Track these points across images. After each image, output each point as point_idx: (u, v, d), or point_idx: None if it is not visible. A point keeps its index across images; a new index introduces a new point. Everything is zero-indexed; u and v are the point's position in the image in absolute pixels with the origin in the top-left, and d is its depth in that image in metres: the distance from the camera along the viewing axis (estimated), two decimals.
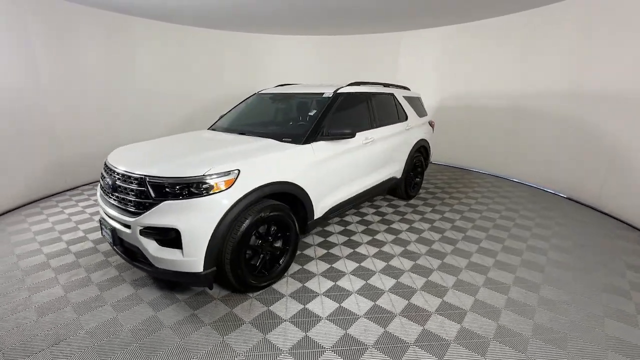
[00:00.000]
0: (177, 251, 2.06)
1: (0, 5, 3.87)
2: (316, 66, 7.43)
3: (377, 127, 3.66)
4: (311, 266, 2.87)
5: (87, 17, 4.91)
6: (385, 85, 4.27)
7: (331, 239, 3.38)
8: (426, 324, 2.16)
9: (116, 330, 2.08)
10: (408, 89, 4.82)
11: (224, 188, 2.12)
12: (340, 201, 3.18)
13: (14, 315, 2.21)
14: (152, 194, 2.08)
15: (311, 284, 2.60)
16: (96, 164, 4.93)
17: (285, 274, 2.71)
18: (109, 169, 2.41)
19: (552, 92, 4.96)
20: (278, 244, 2.61)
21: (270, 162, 2.44)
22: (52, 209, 4.13)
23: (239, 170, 2.21)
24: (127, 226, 2.17)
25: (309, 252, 3.11)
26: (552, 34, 4.80)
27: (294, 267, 2.83)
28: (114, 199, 2.31)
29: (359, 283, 2.62)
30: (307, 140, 2.78)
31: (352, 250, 3.14)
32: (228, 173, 2.16)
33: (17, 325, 2.12)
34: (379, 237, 3.44)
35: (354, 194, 3.37)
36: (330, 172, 2.94)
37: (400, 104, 4.26)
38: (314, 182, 2.76)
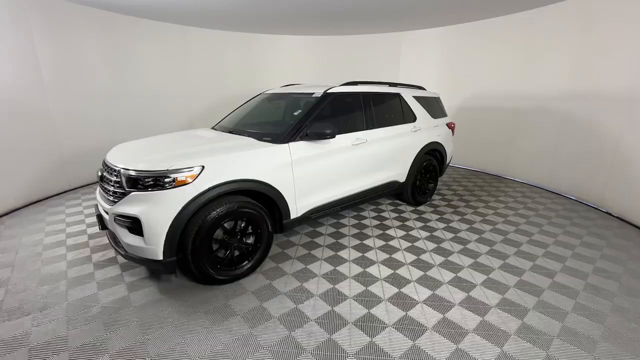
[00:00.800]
0: (141, 239, 2.23)
1: (2, 4, 3.87)
2: (318, 66, 7.44)
3: (373, 127, 3.53)
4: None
5: (89, 17, 4.91)
6: (392, 84, 4.09)
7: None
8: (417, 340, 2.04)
9: (126, 304, 2.32)
10: (422, 89, 4.55)
11: (185, 182, 2.24)
12: (326, 202, 3.13)
13: (24, 282, 2.59)
14: (125, 185, 2.28)
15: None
16: (98, 165, 4.90)
17: (258, 269, 2.77)
18: (103, 162, 2.70)
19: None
20: (250, 240, 2.67)
21: (238, 160, 2.50)
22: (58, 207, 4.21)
23: (203, 167, 2.31)
24: (107, 213, 2.41)
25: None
26: (556, 33, 4.77)
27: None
28: (101, 188, 2.58)
29: (359, 288, 2.56)
30: (285, 140, 2.79)
31: (337, 253, 3.09)
32: (191, 169, 2.27)
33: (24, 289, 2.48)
34: (368, 242, 3.32)
35: (344, 196, 3.30)
36: (310, 172, 2.91)
37: (407, 104, 4.05)
38: (289, 182, 2.77)
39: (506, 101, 5.66)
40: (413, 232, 3.56)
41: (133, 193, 2.23)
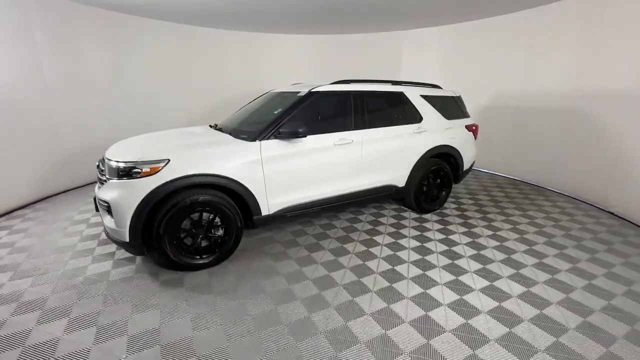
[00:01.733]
0: (114, 221, 2.51)
1: (3, 4, 3.88)
2: (320, 65, 7.40)
3: (364, 128, 3.39)
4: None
5: (90, 16, 4.92)
6: (396, 82, 3.86)
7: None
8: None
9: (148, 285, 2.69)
10: (436, 87, 4.20)
11: (151, 173, 2.45)
12: (302, 202, 3.12)
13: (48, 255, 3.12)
14: (107, 174, 2.59)
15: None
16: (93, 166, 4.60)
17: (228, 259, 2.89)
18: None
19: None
20: (219, 233, 2.80)
21: (204, 156, 2.65)
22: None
23: (168, 160, 2.51)
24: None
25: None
26: (558, 32, 4.70)
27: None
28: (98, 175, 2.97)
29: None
30: (257, 138, 2.86)
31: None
32: (157, 162, 2.48)
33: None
34: (349, 246, 3.21)
35: (325, 197, 3.23)
36: (282, 171, 2.93)
37: (412, 103, 3.78)
38: (258, 179, 2.82)
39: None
40: (403, 241, 3.32)
41: (110, 180, 2.52)
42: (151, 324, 2.12)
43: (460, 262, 2.91)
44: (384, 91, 3.65)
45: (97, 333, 2.04)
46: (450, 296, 2.45)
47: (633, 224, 3.84)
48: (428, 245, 3.25)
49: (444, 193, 4.16)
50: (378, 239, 3.37)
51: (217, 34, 6.64)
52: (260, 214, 2.93)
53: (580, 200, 4.63)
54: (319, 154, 3.11)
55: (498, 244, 3.29)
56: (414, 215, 4.01)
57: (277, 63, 7.34)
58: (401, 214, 4.04)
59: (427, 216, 3.99)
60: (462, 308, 2.31)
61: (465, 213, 4.09)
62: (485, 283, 2.62)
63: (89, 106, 5.06)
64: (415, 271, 2.78)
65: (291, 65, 7.39)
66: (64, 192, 4.85)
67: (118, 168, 2.50)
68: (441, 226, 3.69)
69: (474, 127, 4.34)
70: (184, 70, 6.39)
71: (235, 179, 2.71)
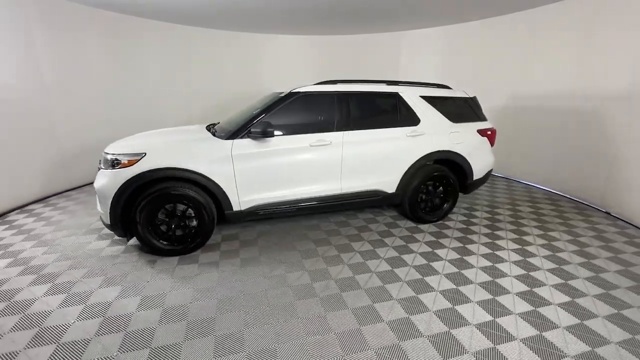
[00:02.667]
0: (100, 205, 2.88)
1: (3, 5, 3.88)
2: (319, 66, 7.40)
3: (347, 129, 3.29)
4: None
5: (90, 17, 4.94)
6: (392, 82, 3.65)
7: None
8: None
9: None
10: (444, 87, 3.86)
11: (128, 165, 2.75)
12: (275, 200, 3.16)
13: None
14: (101, 164, 2.97)
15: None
16: (93, 166, 4.80)
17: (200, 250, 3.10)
18: None
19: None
20: (193, 223, 3.01)
21: (177, 151, 2.88)
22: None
23: (145, 153, 2.78)
24: None
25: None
26: (556, 33, 4.71)
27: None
28: None
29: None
30: (230, 137, 2.99)
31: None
32: (135, 155, 2.77)
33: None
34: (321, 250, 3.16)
35: (300, 197, 3.22)
36: (253, 169, 3.01)
37: (407, 105, 3.53)
38: (228, 176, 2.95)
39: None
40: (381, 251, 3.14)
41: (100, 170, 2.90)
42: (109, 297, 2.40)
43: (425, 298, 2.64)
44: (375, 92, 3.48)
45: (65, 298, 2.39)
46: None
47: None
48: (405, 258, 3.02)
49: (446, 204, 3.81)
50: (356, 245, 3.25)
51: (217, 35, 6.69)
52: (232, 209, 3.06)
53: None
54: (292, 154, 3.12)
55: (488, 266, 2.91)
56: (409, 224, 3.75)
57: (277, 64, 7.37)
58: (397, 221, 3.81)
59: (424, 227, 3.70)
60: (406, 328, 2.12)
61: (469, 227, 3.68)
62: (445, 329, 2.35)
63: (88, 106, 5.08)
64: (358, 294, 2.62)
65: (291, 65, 7.41)
66: (65, 191, 4.91)
67: (106, 159, 2.86)
68: (433, 238, 3.39)
69: (488, 132, 3.88)
70: (183, 70, 6.45)
71: (204, 174, 2.88)
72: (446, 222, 3.82)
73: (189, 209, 2.94)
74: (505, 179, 5.78)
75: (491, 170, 4.11)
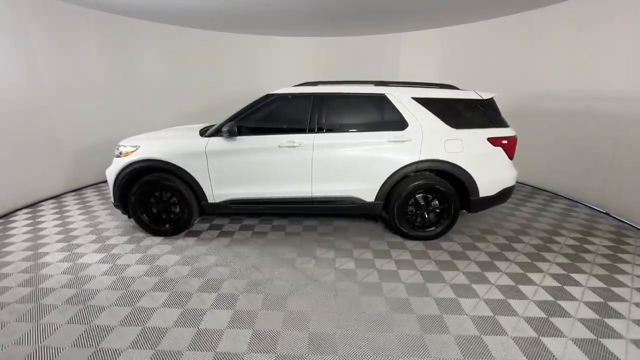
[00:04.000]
0: None
1: (1, 7, 3.87)
2: (318, 66, 7.28)
3: (321, 132, 3.20)
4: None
5: (88, 19, 4.93)
6: (380, 83, 3.36)
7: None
8: None
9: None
10: (448, 87, 3.37)
11: (126, 154, 3.30)
12: (245, 197, 3.30)
13: None
14: (116, 152, 3.62)
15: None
16: (97, 166, 5.15)
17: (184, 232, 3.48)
18: None
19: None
20: (177, 210, 3.42)
21: (163, 146, 3.29)
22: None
23: (139, 146, 3.29)
24: None
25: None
26: (553, 34, 4.70)
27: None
28: None
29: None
30: (207, 135, 3.27)
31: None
32: (131, 147, 3.30)
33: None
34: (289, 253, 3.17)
35: (270, 197, 3.29)
36: (224, 165, 3.22)
37: (395, 107, 3.21)
38: (202, 170, 3.23)
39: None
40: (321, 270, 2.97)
41: (114, 158, 3.55)
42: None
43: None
44: (356, 93, 3.27)
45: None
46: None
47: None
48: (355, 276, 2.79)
49: (443, 223, 3.32)
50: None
51: (216, 36, 6.69)
52: (207, 201, 3.34)
53: None
54: (261, 154, 3.20)
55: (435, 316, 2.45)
56: (395, 239, 3.41)
57: (276, 65, 7.36)
58: (383, 237, 3.51)
59: (408, 243, 3.31)
60: None
61: (466, 252, 3.13)
62: None
63: (87, 108, 5.09)
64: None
65: (291, 67, 7.38)
66: (61, 194, 4.86)
67: (116, 150, 3.48)
68: (408, 258, 3.02)
69: (504, 141, 3.20)
70: (182, 72, 6.45)
71: (182, 167, 3.22)
72: (439, 243, 3.33)
73: (173, 197, 3.35)
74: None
75: (511, 188, 3.39)
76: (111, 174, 3.36)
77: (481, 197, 3.28)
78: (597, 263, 2.95)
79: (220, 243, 3.32)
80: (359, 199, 3.30)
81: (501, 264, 2.91)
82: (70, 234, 3.55)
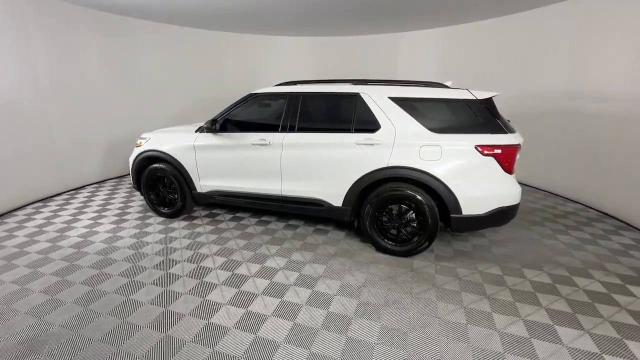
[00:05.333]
0: None
1: (0, 6, 3.87)
2: (318, 67, 7.30)
3: (292, 131, 3.19)
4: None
5: (87, 18, 4.93)
6: (358, 82, 3.13)
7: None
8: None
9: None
10: (437, 86, 2.94)
11: (139, 145, 3.89)
12: (225, 189, 3.53)
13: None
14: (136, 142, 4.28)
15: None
16: (95, 166, 5.32)
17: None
18: None
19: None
20: (175, 196, 3.88)
21: (165, 139, 3.74)
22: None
23: (149, 138, 3.84)
24: None
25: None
26: (553, 34, 4.67)
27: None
28: None
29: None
30: (197, 131, 3.61)
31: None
32: (144, 139, 3.88)
33: None
34: (269, 263, 3.30)
35: (249, 192, 3.44)
36: (207, 159, 3.51)
37: (368, 108, 2.96)
38: (191, 161, 3.58)
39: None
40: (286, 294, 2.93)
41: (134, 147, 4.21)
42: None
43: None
44: (330, 92, 3.12)
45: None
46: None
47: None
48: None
49: (414, 240, 2.94)
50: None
51: (216, 36, 6.73)
52: (196, 190, 3.69)
53: None
54: (237, 150, 3.37)
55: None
56: (369, 252, 3.16)
57: (276, 65, 7.36)
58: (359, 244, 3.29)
59: (382, 257, 3.03)
60: None
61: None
62: None
63: (86, 108, 5.09)
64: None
65: (290, 66, 7.36)
66: (58, 194, 4.80)
67: (137, 141, 4.14)
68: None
69: (496, 150, 2.63)
70: (182, 71, 6.48)
71: (177, 158, 3.63)
72: (415, 261, 2.94)
73: (172, 184, 3.81)
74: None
75: (510, 209, 2.77)
76: (130, 160, 4.02)
77: (465, 216, 2.77)
78: None
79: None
80: (327, 203, 3.18)
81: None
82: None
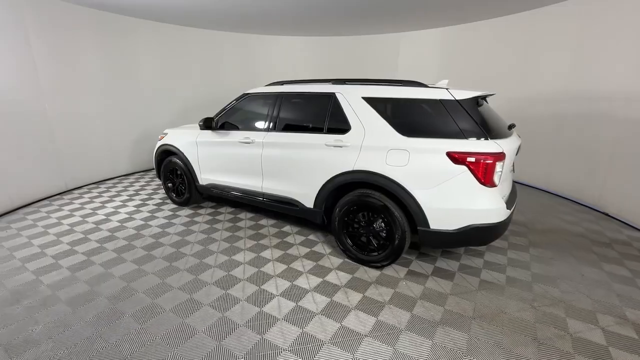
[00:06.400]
0: None
1: (0, 6, 3.86)
2: (318, 66, 7.39)
3: (273, 131, 3.25)
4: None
5: (87, 18, 4.93)
6: (337, 81, 3.00)
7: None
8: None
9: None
10: (413, 84, 2.66)
11: (160, 139, 4.38)
12: (221, 184, 3.75)
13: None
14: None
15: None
16: (95, 165, 5.33)
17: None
18: None
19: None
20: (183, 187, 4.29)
21: (177, 135, 4.14)
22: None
23: (168, 133, 4.31)
24: None
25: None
26: (553, 33, 4.69)
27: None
28: None
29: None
30: (200, 129, 3.91)
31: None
32: (165, 133, 4.36)
33: None
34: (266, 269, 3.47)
35: (239, 187, 3.61)
36: (205, 154, 3.79)
37: (341, 108, 2.83)
38: (194, 156, 3.91)
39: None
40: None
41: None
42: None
43: None
44: (308, 92, 3.07)
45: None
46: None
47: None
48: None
49: (381, 252, 2.73)
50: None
51: (216, 35, 6.70)
52: (198, 182, 4.02)
53: None
54: (228, 147, 3.56)
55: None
56: (336, 262, 3.05)
57: (275, 64, 7.34)
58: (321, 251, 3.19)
59: (360, 274, 2.90)
60: None
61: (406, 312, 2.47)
62: None
63: (84, 106, 5.06)
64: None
65: (291, 66, 7.34)
66: (59, 194, 4.80)
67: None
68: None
69: (469, 158, 2.27)
70: (181, 71, 6.46)
71: (184, 152, 4.00)
72: (382, 276, 2.73)
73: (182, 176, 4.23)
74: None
75: (488, 228, 2.37)
76: (154, 151, 4.57)
77: (433, 230, 2.47)
78: None
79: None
80: (300, 203, 3.16)
81: None
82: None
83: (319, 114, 3.02)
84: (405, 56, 6.96)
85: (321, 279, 2.66)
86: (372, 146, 2.65)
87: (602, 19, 4.09)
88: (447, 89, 2.48)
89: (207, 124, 3.66)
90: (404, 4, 4.70)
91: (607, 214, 4.09)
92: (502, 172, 2.36)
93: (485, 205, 2.34)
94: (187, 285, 2.57)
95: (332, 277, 2.69)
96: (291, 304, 2.34)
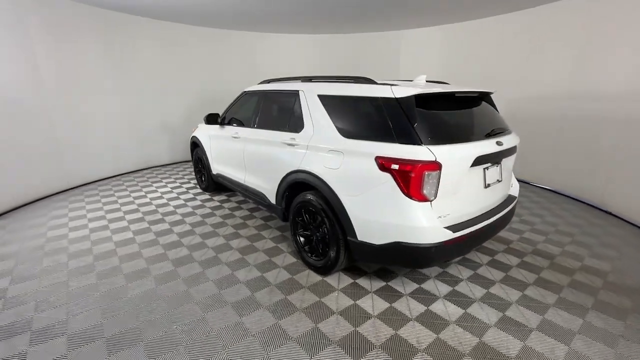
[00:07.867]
0: None
1: (1, 5, 3.86)
2: (318, 65, 7.32)
3: (254, 127, 3.40)
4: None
5: (88, 15, 4.92)
6: (306, 79, 2.92)
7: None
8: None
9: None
10: (363, 81, 2.42)
11: (193, 131, 5.02)
12: (226, 175, 4.05)
13: None
14: None
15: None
16: (95, 164, 5.33)
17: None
18: None
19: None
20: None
21: (200, 129, 4.65)
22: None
23: (198, 127, 4.91)
24: None
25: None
26: (555, 31, 4.64)
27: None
28: None
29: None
30: (205, 123, 4.32)
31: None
32: (197, 127, 4.98)
33: None
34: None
35: (233, 178, 3.86)
36: (214, 147, 4.20)
37: (301, 106, 2.77)
38: (208, 148, 4.36)
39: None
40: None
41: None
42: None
43: None
44: (279, 90, 3.11)
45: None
46: None
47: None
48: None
49: (320, 259, 2.60)
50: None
51: (218, 34, 6.65)
52: (212, 172, 4.48)
53: None
54: (227, 141, 3.85)
55: None
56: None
57: (277, 62, 7.28)
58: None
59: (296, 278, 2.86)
60: None
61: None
62: None
63: (86, 104, 5.05)
64: None
65: (292, 64, 7.26)
66: (61, 192, 4.83)
67: None
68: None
69: (394, 166, 1.95)
70: (183, 69, 6.44)
71: (202, 144, 4.50)
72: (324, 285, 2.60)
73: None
74: None
75: (414, 248, 2.00)
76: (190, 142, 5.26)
77: (360, 242, 2.23)
78: None
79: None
80: (267, 198, 3.23)
81: None
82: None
83: (286, 112, 3.02)
84: (408, 53, 6.86)
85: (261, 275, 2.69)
86: (316, 146, 2.53)
87: (605, 17, 3.99)
88: (390, 85, 2.19)
89: (209, 120, 4.06)
90: (404, 2, 4.61)
91: (610, 213, 3.83)
92: (438, 184, 1.96)
93: (411, 222, 1.99)
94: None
95: (273, 278, 2.69)
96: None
